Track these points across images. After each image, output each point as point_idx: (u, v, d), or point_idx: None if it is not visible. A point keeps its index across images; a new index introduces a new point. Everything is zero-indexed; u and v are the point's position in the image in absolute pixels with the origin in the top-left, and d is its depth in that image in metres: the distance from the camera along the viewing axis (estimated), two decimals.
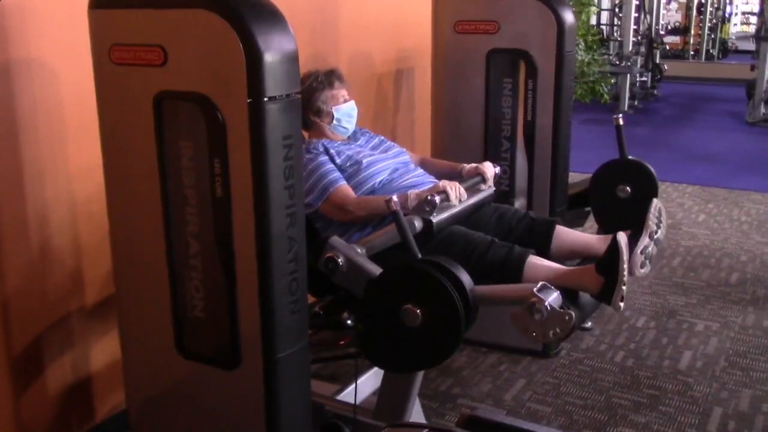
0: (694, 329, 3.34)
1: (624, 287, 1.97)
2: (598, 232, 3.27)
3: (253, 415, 1.75)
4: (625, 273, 1.96)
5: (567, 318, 1.79)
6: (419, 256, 1.89)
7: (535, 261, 2.16)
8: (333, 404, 2.28)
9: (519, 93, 2.98)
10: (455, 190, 2.32)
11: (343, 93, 2.56)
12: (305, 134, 2.61)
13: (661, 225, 2.30)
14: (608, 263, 1.99)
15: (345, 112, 2.56)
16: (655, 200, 2.36)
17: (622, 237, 2.00)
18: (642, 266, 2.15)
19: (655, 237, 2.23)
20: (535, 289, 1.81)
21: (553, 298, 1.82)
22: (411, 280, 1.82)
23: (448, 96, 3.12)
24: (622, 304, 1.99)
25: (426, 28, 3.16)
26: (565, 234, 2.43)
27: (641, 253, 2.14)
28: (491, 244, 2.20)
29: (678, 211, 5.15)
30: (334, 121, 2.55)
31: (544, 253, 2.33)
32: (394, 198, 1.91)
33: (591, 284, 2.05)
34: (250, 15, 1.55)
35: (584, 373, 2.95)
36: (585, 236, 2.46)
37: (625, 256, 1.96)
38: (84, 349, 2.29)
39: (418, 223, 2.19)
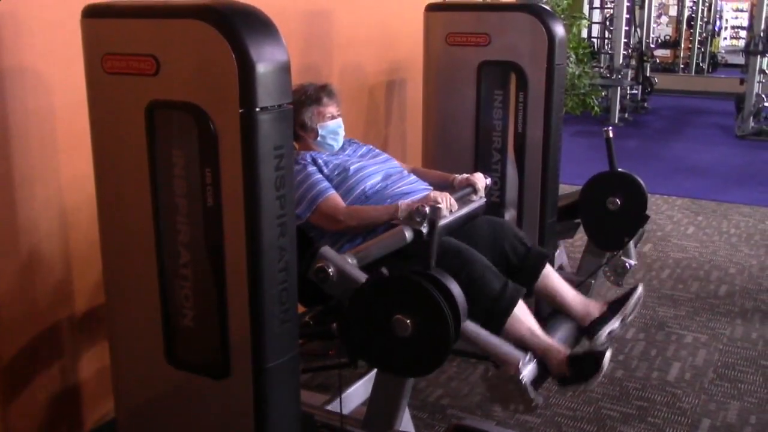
0: (683, 341, 3.35)
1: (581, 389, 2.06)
2: (588, 244, 3.30)
3: (242, 424, 1.75)
4: (593, 384, 2.09)
5: (533, 405, 1.91)
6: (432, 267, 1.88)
7: (521, 312, 2.19)
8: (322, 414, 2.28)
9: (510, 105, 3.00)
10: (446, 200, 2.33)
11: (330, 110, 2.57)
12: (295, 146, 2.62)
13: (635, 311, 2.44)
14: (582, 368, 2.08)
15: (330, 129, 2.57)
16: (640, 288, 2.47)
17: (608, 357, 2.07)
18: (602, 345, 2.23)
19: (627, 321, 2.39)
20: (521, 363, 1.85)
21: (530, 372, 1.91)
22: (404, 290, 1.83)
23: (440, 107, 3.14)
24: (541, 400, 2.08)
25: (418, 39, 3.18)
26: (551, 279, 2.47)
27: (609, 333, 2.28)
28: (486, 269, 2.20)
29: (667, 224, 5.18)
30: (319, 138, 2.56)
31: (529, 285, 2.39)
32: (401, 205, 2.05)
33: (556, 367, 2.13)
34: (242, 25, 1.56)
35: None
36: (567, 292, 2.47)
37: (604, 371, 2.06)
38: (73, 357, 2.28)
39: (408, 233, 2.19)
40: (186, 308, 1.78)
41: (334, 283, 1.96)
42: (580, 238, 3.66)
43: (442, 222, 2.30)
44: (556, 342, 2.20)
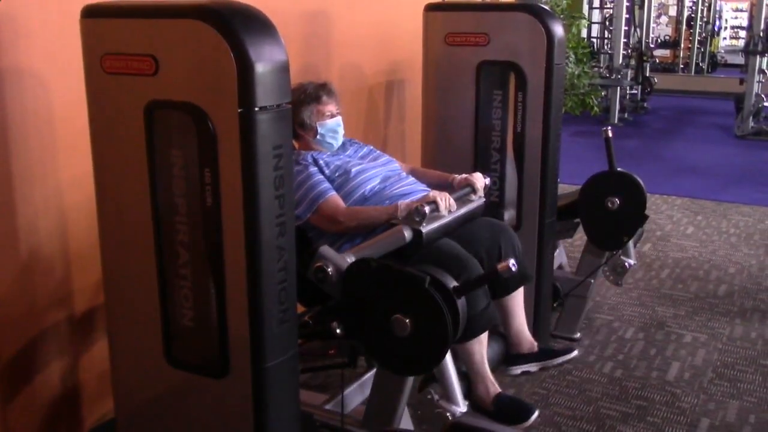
0: (682, 340, 3.35)
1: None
2: (587, 243, 3.31)
3: (242, 424, 1.75)
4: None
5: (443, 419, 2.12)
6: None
7: (483, 340, 2.37)
8: (321, 413, 2.28)
9: (509, 105, 3.00)
10: (445, 200, 2.33)
11: (330, 108, 2.57)
12: (295, 145, 2.62)
13: (560, 366, 2.83)
14: (508, 412, 2.35)
15: (329, 127, 2.57)
16: (574, 353, 2.80)
17: (535, 417, 2.35)
18: (530, 406, 2.44)
19: (547, 369, 2.79)
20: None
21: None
22: (403, 290, 1.83)
23: (439, 107, 3.14)
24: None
25: (417, 40, 3.18)
26: (515, 299, 2.65)
27: (521, 372, 2.70)
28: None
29: (667, 223, 5.18)
30: (318, 136, 2.56)
31: (500, 294, 2.57)
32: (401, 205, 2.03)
33: (482, 400, 2.39)
34: (241, 25, 1.56)
35: (573, 384, 2.96)
36: (517, 318, 2.68)
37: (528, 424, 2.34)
38: (73, 357, 2.28)
39: (408, 233, 2.20)
40: (185, 308, 1.78)
41: (333, 283, 1.96)
42: (580, 237, 3.66)
43: (441, 222, 2.30)
44: (492, 377, 2.41)
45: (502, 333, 2.69)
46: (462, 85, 3.04)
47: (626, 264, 3.30)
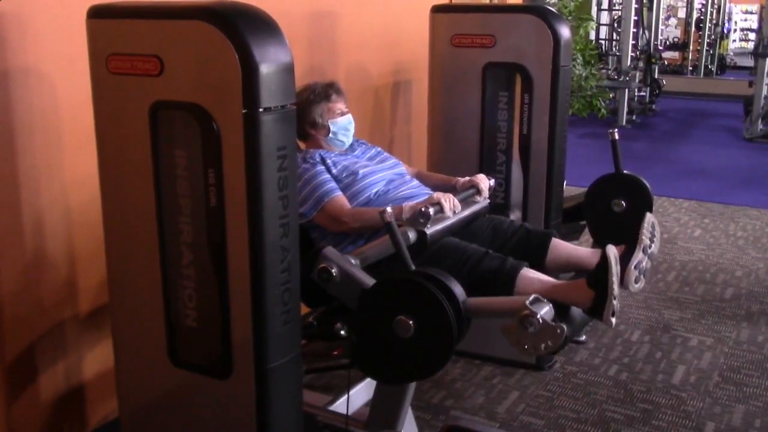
0: (688, 344, 3.34)
1: (615, 302, 1.97)
2: (593, 246, 3.29)
3: (245, 424, 1.75)
4: (615, 287, 1.97)
5: (558, 331, 1.79)
6: (412, 267, 1.90)
7: (527, 273, 2.17)
8: (325, 414, 2.28)
9: (515, 106, 3.00)
10: (449, 202, 2.33)
11: (340, 106, 2.58)
12: (302, 145, 2.63)
13: (655, 239, 2.31)
14: (599, 277, 2.01)
15: (341, 125, 2.58)
16: (648, 215, 2.37)
17: (612, 250, 2.01)
18: (636, 281, 2.15)
19: (649, 251, 2.24)
20: (527, 302, 1.81)
21: (545, 311, 1.82)
22: (404, 292, 1.83)
23: (444, 109, 3.14)
24: (614, 320, 1.99)
25: (423, 41, 3.19)
26: (560, 246, 2.45)
27: (635, 268, 2.14)
28: (484, 256, 2.21)
29: (674, 226, 5.16)
30: (330, 134, 2.56)
31: (540, 265, 2.35)
32: (388, 209, 1.93)
33: (582, 298, 2.06)
34: (246, 27, 1.57)
35: (578, 387, 2.95)
36: (580, 249, 2.48)
37: (615, 269, 1.97)
38: (77, 356, 2.29)
39: (412, 235, 2.20)
40: (189, 308, 1.79)
41: (338, 284, 1.96)
42: (586, 240, 3.65)
43: (446, 223, 2.31)
44: (562, 280, 2.18)
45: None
46: (468, 87, 3.04)
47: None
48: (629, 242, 2.29)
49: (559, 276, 2.35)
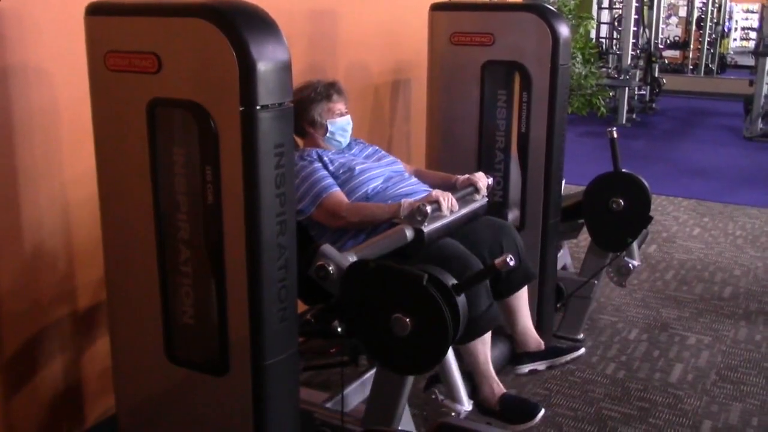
0: (686, 342, 3.35)
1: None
2: (591, 244, 3.30)
3: (242, 421, 1.76)
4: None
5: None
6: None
7: (486, 339, 2.38)
8: (322, 412, 2.29)
9: (513, 105, 3.00)
10: (447, 200, 2.33)
11: (339, 107, 2.58)
12: (300, 142, 2.63)
13: (566, 365, 2.83)
14: (513, 412, 2.36)
15: (339, 126, 2.58)
16: (581, 350, 2.82)
17: (541, 416, 2.35)
18: (536, 404, 2.44)
19: (554, 368, 2.82)
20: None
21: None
22: (404, 289, 1.83)
23: (443, 107, 3.14)
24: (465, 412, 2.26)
25: (422, 39, 3.19)
26: (519, 298, 2.67)
27: (529, 371, 2.75)
28: (482, 284, 2.27)
29: (673, 225, 5.16)
30: (328, 134, 2.57)
31: (503, 297, 2.60)
32: (404, 202, 2.08)
33: (487, 401, 2.40)
34: (243, 24, 1.57)
35: (575, 385, 2.95)
36: (522, 316, 2.70)
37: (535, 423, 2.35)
38: (75, 353, 2.30)
39: (409, 233, 2.20)
40: (186, 305, 1.79)
41: (335, 281, 1.96)
42: (585, 238, 3.65)
43: (443, 221, 2.31)
44: (496, 377, 2.42)
45: (507, 333, 2.70)
46: (467, 85, 3.04)
47: (630, 265, 3.29)
48: (552, 348, 2.78)
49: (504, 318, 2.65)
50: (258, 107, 1.58)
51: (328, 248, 1.99)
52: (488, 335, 2.37)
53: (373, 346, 1.90)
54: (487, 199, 2.60)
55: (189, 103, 1.63)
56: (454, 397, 2.21)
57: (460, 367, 2.26)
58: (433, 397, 2.22)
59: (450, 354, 2.18)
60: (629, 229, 3.14)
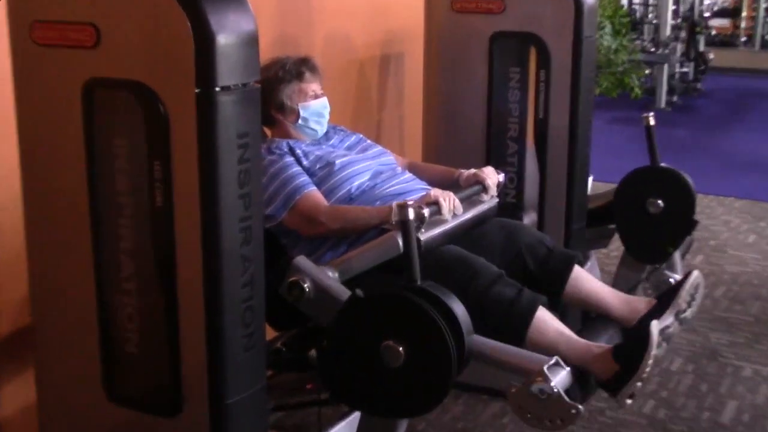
0: (741, 374, 3.36)
1: (639, 384, 2.04)
2: (625, 255, 3.32)
3: None
4: (648, 369, 2.02)
5: (573, 412, 1.87)
6: (418, 281, 1.90)
7: (544, 316, 2.20)
8: None
9: (529, 85, 3.02)
10: (449, 201, 2.34)
11: (313, 87, 2.59)
12: (268, 132, 2.64)
13: (693, 304, 2.36)
14: (631, 355, 2.05)
15: (314, 110, 2.59)
16: (695, 273, 2.38)
17: (656, 328, 2.04)
18: (658, 345, 2.17)
19: (682, 316, 2.30)
20: (546, 367, 1.87)
21: (560, 378, 1.88)
22: (395, 311, 1.84)
23: (444, 88, 3.15)
24: (629, 401, 2.06)
25: (418, 6, 3.20)
26: (583, 280, 2.49)
27: (661, 332, 2.14)
28: (497, 279, 2.23)
29: (723, 231, 5.19)
30: (300, 120, 2.58)
31: (555, 295, 2.42)
32: (395, 205, 1.98)
33: (602, 369, 2.11)
34: None
35: (606, 427, 2.96)
36: (604, 290, 2.51)
37: (654, 351, 2.01)
38: None
39: (402, 242, 2.20)
40: (129, 331, 1.79)
41: (312, 302, 1.97)
42: (616, 247, 3.67)
43: (444, 227, 2.32)
44: (595, 343, 2.20)
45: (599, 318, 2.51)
46: (472, 61, 3.05)
47: (671, 280, 3.31)
48: (661, 298, 2.38)
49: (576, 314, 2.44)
50: (217, 89, 1.58)
51: (303, 261, 2.00)
52: (544, 316, 2.21)
53: (359, 388, 1.90)
54: (497, 200, 2.62)
55: (133, 84, 1.63)
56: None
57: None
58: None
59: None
60: (670, 236, 3.16)
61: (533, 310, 2.19)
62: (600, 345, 2.17)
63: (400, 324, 1.82)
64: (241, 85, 1.63)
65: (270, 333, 2.05)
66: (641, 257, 3.29)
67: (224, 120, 1.60)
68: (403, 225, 1.92)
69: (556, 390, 1.84)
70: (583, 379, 2.12)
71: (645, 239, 3.22)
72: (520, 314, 2.18)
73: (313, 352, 2.03)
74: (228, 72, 1.60)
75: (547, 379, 1.84)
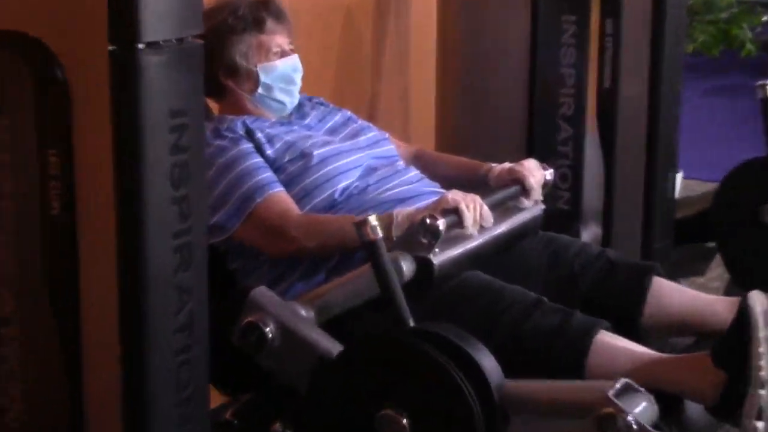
0: None
1: (764, 392, 1.98)
2: (729, 284, 3.33)
3: None
4: (765, 364, 1.97)
5: None
6: (410, 321, 1.91)
7: (608, 340, 2.18)
8: None
9: (589, 42, 3.02)
10: (474, 208, 2.34)
11: (279, 41, 2.61)
12: (215, 108, 2.65)
13: None
14: (734, 349, 2.01)
15: (280, 73, 2.61)
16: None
17: (758, 300, 2.01)
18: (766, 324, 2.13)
19: None
20: (611, 393, 1.83)
21: (641, 409, 1.84)
22: (394, 365, 1.85)
23: (465, 44, 3.16)
24: (761, 425, 2.00)
25: None
26: (668, 292, 2.48)
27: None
28: (535, 305, 2.23)
29: None
30: (261, 89, 2.59)
31: (631, 322, 2.40)
32: (372, 220, 1.95)
33: (703, 385, 2.06)
34: None
35: None
36: (701, 298, 2.50)
37: (763, 333, 1.98)
38: None
39: (408, 265, 2.21)
40: (9, 396, 1.79)
41: (276, 353, 1.97)
42: (719, 274, 3.68)
43: (467, 246, 2.32)
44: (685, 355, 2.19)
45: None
46: (506, 6, 3.07)
47: None
48: None
49: (665, 343, 2.38)
50: (140, 46, 1.58)
51: (264, 294, 2.00)
52: (607, 338, 2.21)
53: None
54: (543, 207, 2.62)
55: (18, 39, 1.64)
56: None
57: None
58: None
59: None
60: None
61: (591, 335, 2.17)
62: (692, 354, 2.17)
63: (402, 382, 1.83)
64: (175, 40, 1.63)
65: (216, 398, 2.05)
66: (754, 288, 3.30)
67: (150, 91, 1.60)
68: (369, 247, 1.93)
69: (632, 421, 1.81)
70: (678, 417, 2.12)
71: (759, 262, 3.22)
72: (571, 344, 2.17)
73: (278, 427, 2.03)
74: (156, 24, 1.60)
75: (617, 408, 1.82)
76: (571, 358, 2.15)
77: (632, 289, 2.45)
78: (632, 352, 2.18)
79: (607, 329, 2.20)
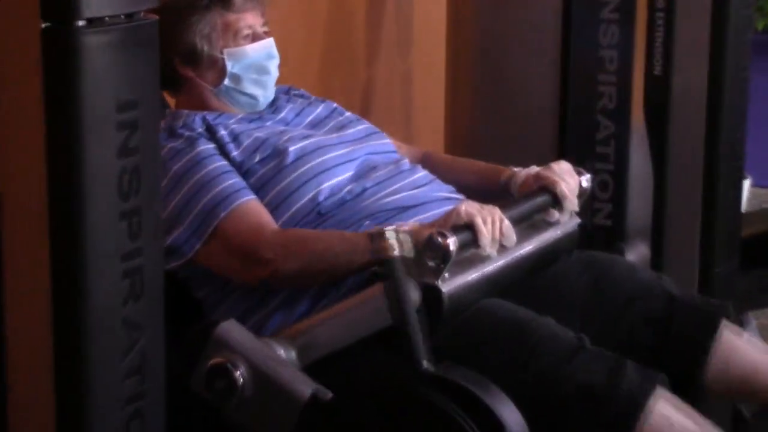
0: None
1: None
2: None
3: None
4: None
5: None
6: (425, 363, 1.91)
7: (665, 411, 2.19)
8: None
9: (636, 18, 3.03)
10: (492, 222, 2.34)
11: (250, 20, 2.63)
12: (172, 101, 2.65)
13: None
14: None
15: (253, 61, 2.63)
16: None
17: None
18: None
19: None
20: None
21: None
22: (393, 420, 1.84)
23: (483, 21, 3.17)
24: None
25: None
26: (738, 346, 2.49)
27: None
28: (576, 350, 2.23)
29: None
30: (227, 80, 2.61)
31: (690, 376, 2.42)
32: (390, 233, 2.00)
33: None
34: None
35: None
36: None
37: None
38: None
39: (411, 294, 2.21)
40: None
41: (248, 403, 1.97)
42: None
43: (484, 270, 2.32)
44: None
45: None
46: None
47: None
48: None
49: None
50: (80, 23, 1.59)
51: (232, 329, 2.00)
52: (663, 400, 2.23)
53: None
54: (578, 221, 2.62)
55: None
56: None
57: None
58: None
59: None
60: None
61: (644, 396, 2.17)
62: None
63: None
64: (124, 16, 1.64)
65: None
66: None
67: (93, 79, 1.61)
68: (386, 266, 1.93)
69: None
70: None
71: None
72: (618, 406, 2.17)
73: None
74: None
75: None
76: (617, 426, 2.16)
77: (696, 340, 2.46)
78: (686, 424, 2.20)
79: (663, 385, 2.21)
